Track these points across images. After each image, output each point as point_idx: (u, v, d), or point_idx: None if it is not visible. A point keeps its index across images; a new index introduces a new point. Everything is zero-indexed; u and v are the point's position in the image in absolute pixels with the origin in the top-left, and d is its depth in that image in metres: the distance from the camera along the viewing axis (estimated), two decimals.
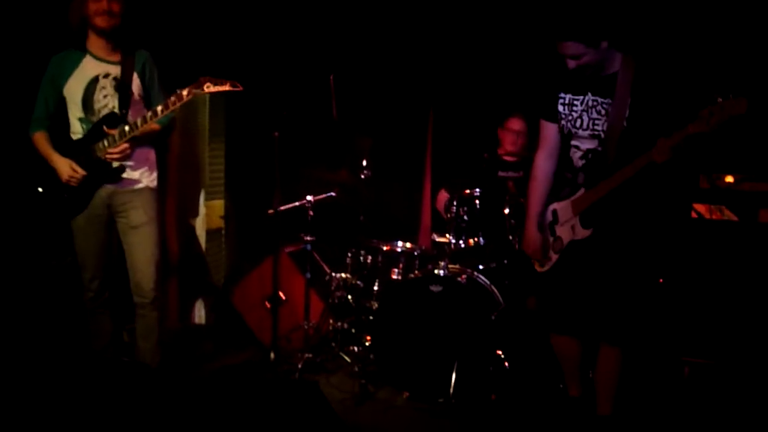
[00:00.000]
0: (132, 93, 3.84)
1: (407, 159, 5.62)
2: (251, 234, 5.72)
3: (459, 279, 4.37)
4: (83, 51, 3.84)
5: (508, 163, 5.05)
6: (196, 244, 5.39)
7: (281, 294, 4.88)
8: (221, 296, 5.43)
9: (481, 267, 4.61)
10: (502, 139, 5.10)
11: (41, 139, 3.87)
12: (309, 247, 4.88)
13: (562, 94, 3.52)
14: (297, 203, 4.93)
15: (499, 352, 4.25)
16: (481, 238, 4.62)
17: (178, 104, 3.65)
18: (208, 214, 5.49)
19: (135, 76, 3.88)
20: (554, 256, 3.64)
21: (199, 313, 5.47)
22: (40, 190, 3.86)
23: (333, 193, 5.07)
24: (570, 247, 3.56)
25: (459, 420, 4.07)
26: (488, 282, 4.49)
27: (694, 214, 4.49)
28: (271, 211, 4.74)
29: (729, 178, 4.43)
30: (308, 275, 4.87)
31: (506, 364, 4.24)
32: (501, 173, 5.02)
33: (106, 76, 3.83)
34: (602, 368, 3.66)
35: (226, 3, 5.28)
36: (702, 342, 4.40)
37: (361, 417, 4.09)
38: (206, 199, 5.47)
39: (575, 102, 3.48)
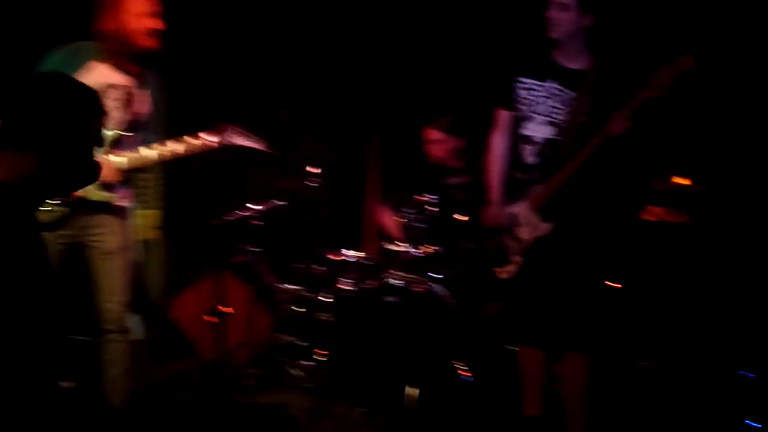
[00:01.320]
0: (138, 112, 3.50)
1: (356, 167, 5.59)
2: (193, 245, 5.56)
3: (415, 289, 4.33)
4: (98, 51, 3.44)
5: (451, 169, 4.99)
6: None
7: (226, 307, 4.70)
8: (161, 310, 5.20)
9: (437, 276, 4.54)
10: (427, 149, 5.05)
11: None
12: (255, 258, 4.86)
13: (523, 79, 3.59)
14: (244, 213, 4.81)
15: (458, 364, 4.21)
16: (437, 246, 4.54)
17: (195, 150, 3.43)
18: (142, 224, 5.20)
19: (145, 95, 3.54)
20: (518, 260, 3.61)
21: (137, 329, 5.21)
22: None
23: (281, 202, 4.96)
24: (535, 246, 3.55)
25: None
26: (446, 291, 4.44)
27: (647, 216, 4.58)
28: (215, 221, 4.60)
29: (682, 181, 4.56)
30: (254, 287, 4.86)
31: (467, 376, 4.20)
32: (449, 180, 4.96)
33: (115, 86, 3.47)
34: (572, 380, 3.62)
35: None
36: (647, 344, 4.53)
37: None
38: (140, 209, 5.21)
39: (536, 87, 3.55)
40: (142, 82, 3.54)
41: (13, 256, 1.87)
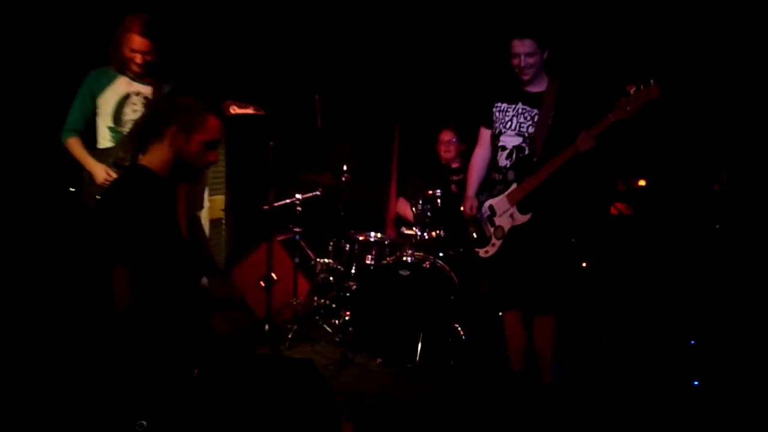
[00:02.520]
0: None
1: (379, 164, 6.25)
2: (248, 225, 6.22)
3: (424, 265, 4.88)
4: (119, 70, 4.22)
5: (453, 169, 5.70)
6: (201, 232, 5.96)
7: (273, 275, 5.26)
8: (223, 276, 5.86)
9: (441, 255, 5.14)
10: (438, 149, 5.77)
11: (77, 144, 4.14)
12: (297, 236, 5.49)
13: (498, 103, 4.21)
14: (288, 200, 5.50)
15: (457, 326, 4.75)
16: (442, 231, 5.10)
17: None
18: (211, 207, 5.98)
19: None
20: (497, 242, 4.17)
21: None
22: (72, 189, 4.21)
23: (318, 192, 5.65)
24: (512, 232, 4.13)
25: (423, 381, 4.59)
26: (448, 267, 5.03)
27: (614, 211, 5.19)
28: (266, 207, 5.22)
29: (642, 182, 5.16)
30: (297, 260, 5.50)
31: (462, 335, 4.72)
32: (450, 177, 5.65)
33: (138, 94, 4.23)
34: (540, 337, 4.18)
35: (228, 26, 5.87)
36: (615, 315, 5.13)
37: (343, 379, 4.62)
38: (209, 195, 5.99)
39: (508, 109, 4.16)
40: (159, 87, 4.30)
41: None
